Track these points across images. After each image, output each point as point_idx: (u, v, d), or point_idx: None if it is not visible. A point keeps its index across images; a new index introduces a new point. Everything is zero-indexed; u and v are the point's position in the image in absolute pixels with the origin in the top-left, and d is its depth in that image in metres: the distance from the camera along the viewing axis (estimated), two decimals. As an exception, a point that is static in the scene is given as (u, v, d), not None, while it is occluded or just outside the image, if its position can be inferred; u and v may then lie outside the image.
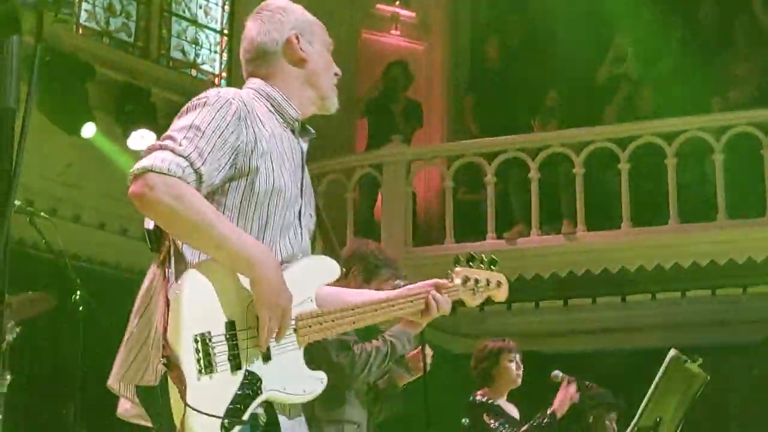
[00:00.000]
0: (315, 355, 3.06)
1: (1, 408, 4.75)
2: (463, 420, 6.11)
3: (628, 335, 9.94)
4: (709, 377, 5.47)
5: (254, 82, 3.16)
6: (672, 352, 5.35)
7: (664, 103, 9.91)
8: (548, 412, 6.02)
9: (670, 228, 9.21)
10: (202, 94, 3.00)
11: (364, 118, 10.86)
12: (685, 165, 9.34)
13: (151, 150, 2.86)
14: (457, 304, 3.42)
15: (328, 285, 3.13)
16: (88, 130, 8.11)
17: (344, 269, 3.67)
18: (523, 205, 9.67)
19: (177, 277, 2.83)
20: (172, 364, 2.72)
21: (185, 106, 2.99)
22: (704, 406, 7.78)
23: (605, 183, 9.70)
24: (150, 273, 2.96)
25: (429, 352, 4.60)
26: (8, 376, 4.72)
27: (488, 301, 10.83)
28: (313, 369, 2.97)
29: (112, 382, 2.98)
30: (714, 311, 9.56)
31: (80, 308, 5.17)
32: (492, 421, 6.02)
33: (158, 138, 2.94)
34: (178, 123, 2.94)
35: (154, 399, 2.85)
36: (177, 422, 2.74)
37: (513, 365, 6.08)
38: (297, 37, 3.17)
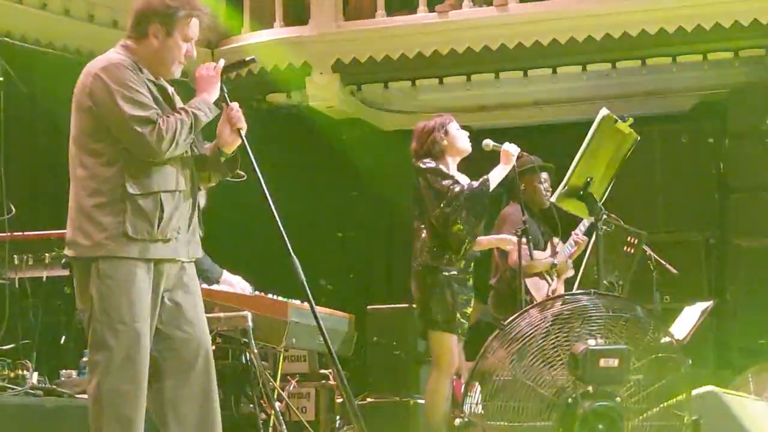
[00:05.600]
0: None
1: None
2: None
3: (559, 108, 9.99)
4: (639, 138, 5.50)
5: None
6: (603, 111, 5.35)
7: None
8: (481, 179, 6.10)
9: (602, -3, 9.13)
10: None
11: None
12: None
13: None
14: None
15: None
16: None
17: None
18: (455, -25, 9.48)
19: None
20: None
21: None
22: (632, 173, 7.92)
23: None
24: None
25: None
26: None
27: (419, 75, 10.54)
28: None
29: None
30: (644, 81, 9.59)
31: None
32: (443, 180, 6.15)
33: None
34: None
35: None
36: None
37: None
38: None
